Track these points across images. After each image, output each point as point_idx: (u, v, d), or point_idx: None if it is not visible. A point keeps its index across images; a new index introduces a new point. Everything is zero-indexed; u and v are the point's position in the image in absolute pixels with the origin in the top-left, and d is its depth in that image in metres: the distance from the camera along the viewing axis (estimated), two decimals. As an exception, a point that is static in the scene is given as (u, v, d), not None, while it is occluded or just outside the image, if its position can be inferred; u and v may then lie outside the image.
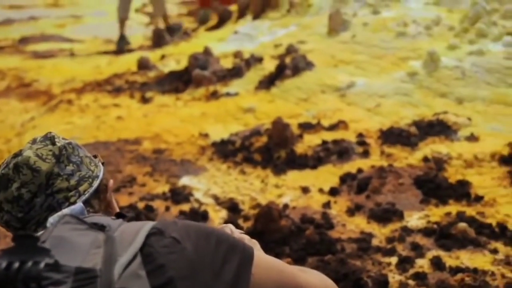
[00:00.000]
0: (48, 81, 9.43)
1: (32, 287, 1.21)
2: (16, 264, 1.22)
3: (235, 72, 8.16)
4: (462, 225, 4.34)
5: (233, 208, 5.02)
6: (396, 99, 6.69)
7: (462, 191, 4.92)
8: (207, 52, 8.61)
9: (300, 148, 5.91)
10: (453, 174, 5.20)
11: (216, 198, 5.23)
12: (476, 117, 6.14)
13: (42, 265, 1.23)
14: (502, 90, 6.47)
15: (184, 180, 5.56)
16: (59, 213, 1.50)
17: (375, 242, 4.37)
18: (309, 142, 6.01)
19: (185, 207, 5.05)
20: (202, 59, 8.41)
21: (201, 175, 5.66)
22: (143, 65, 9.20)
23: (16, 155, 1.58)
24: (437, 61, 6.87)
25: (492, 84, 6.54)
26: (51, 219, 1.47)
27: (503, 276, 3.86)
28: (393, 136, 5.92)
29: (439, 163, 5.36)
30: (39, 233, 1.42)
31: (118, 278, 1.30)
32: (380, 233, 4.49)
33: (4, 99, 8.86)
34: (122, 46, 11.33)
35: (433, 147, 5.64)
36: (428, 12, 8.44)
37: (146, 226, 1.42)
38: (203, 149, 6.19)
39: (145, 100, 7.88)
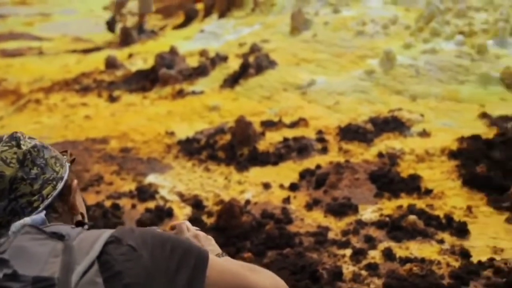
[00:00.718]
0: (17, 80, 9.50)
1: None
2: None
3: (201, 71, 8.34)
4: (412, 217, 4.61)
5: (197, 205, 5.21)
6: (354, 96, 6.94)
7: (413, 185, 5.20)
8: (173, 51, 8.77)
9: (262, 145, 6.12)
10: (405, 168, 5.47)
11: (181, 195, 5.41)
12: (428, 113, 6.42)
13: (0, 275, 1.27)
14: (453, 87, 6.76)
15: (150, 178, 5.73)
16: (21, 222, 1.49)
17: (331, 235, 4.60)
18: (271, 139, 6.22)
19: (151, 204, 5.22)
20: (168, 58, 8.57)
21: (167, 173, 5.84)
22: (110, 64, 9.31)
23: None
24: (393, 59, 7.15)
25: (444, 82, 6.84)
26: (13, 227, 1.46)
27: (448, 265, 4.12)
28: (350, 133, 6.18)
29: (393, 158, 5.63)
30: None
31: (75, 285, 1.34)
32: (336, 226, 4.72)
33: (-28, 99, 8.93)
34: (112, 28, 11.56)
35: (388, 143, 5.91)
36: (387, 11, 8.70)
37: (104, 234, 1.45)
38: (169, 147, 6.36)
39: (112, 99, 8.01)
